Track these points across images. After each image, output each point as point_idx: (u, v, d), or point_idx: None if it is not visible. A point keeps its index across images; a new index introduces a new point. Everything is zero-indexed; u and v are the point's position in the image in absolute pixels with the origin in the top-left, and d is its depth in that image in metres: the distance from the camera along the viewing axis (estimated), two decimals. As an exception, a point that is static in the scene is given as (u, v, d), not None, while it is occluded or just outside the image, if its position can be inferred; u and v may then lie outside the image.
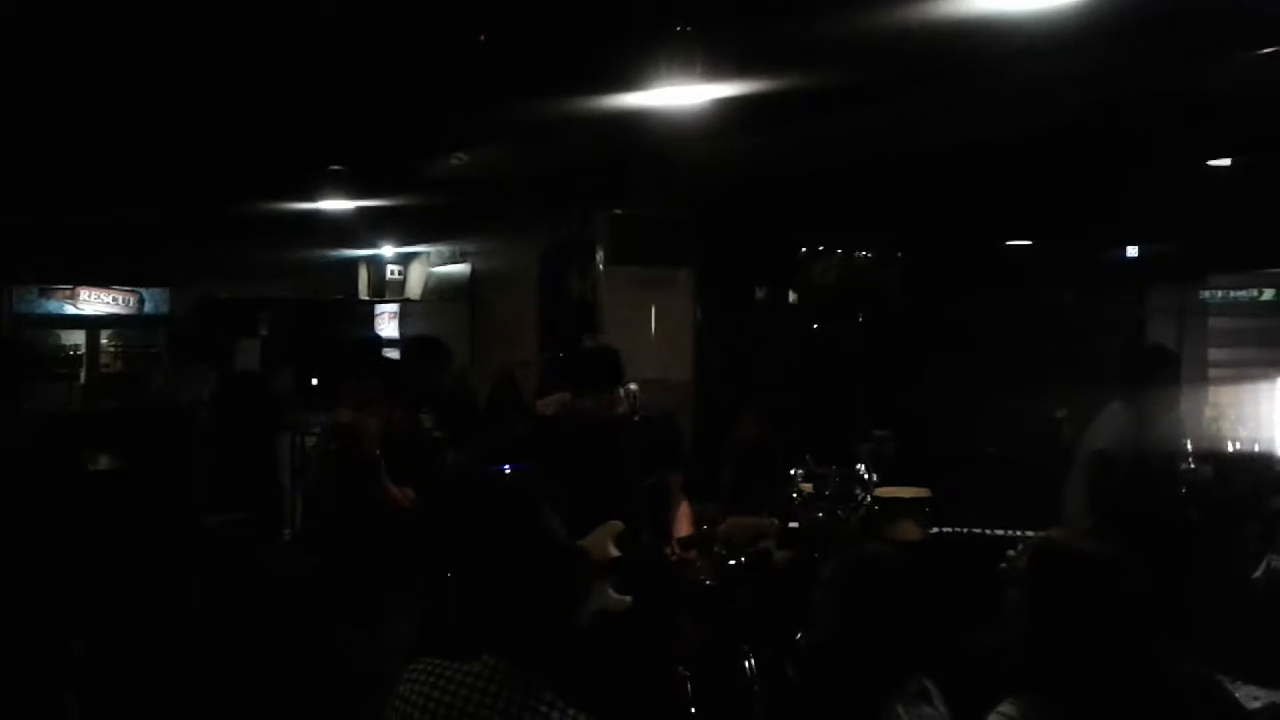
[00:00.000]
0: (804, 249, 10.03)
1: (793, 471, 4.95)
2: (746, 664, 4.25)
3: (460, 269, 12.58)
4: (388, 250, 13.67)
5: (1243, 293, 9.30)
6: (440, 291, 13.05)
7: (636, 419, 4.64)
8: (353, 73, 5.90)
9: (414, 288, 13.78)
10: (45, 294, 13.00)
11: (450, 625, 4.56)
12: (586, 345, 4.87)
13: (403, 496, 5.09)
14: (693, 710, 4.22)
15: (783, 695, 3.30)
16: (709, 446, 6.97)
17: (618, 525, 4.16)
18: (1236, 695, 2.95)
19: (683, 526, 4.68)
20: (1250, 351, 9.40)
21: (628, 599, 4.01)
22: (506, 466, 5.74)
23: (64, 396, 12.39)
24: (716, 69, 5.28)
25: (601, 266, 8.98)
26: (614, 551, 4.00)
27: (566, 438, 4.64)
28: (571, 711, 2.53)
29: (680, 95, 5.67)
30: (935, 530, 5.29)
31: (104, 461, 8.50)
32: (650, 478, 4.63)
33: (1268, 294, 9.32)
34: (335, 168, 8.49)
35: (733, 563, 4.43)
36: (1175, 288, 9.44)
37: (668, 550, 4.41)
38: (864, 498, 4.94)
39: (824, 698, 2.79)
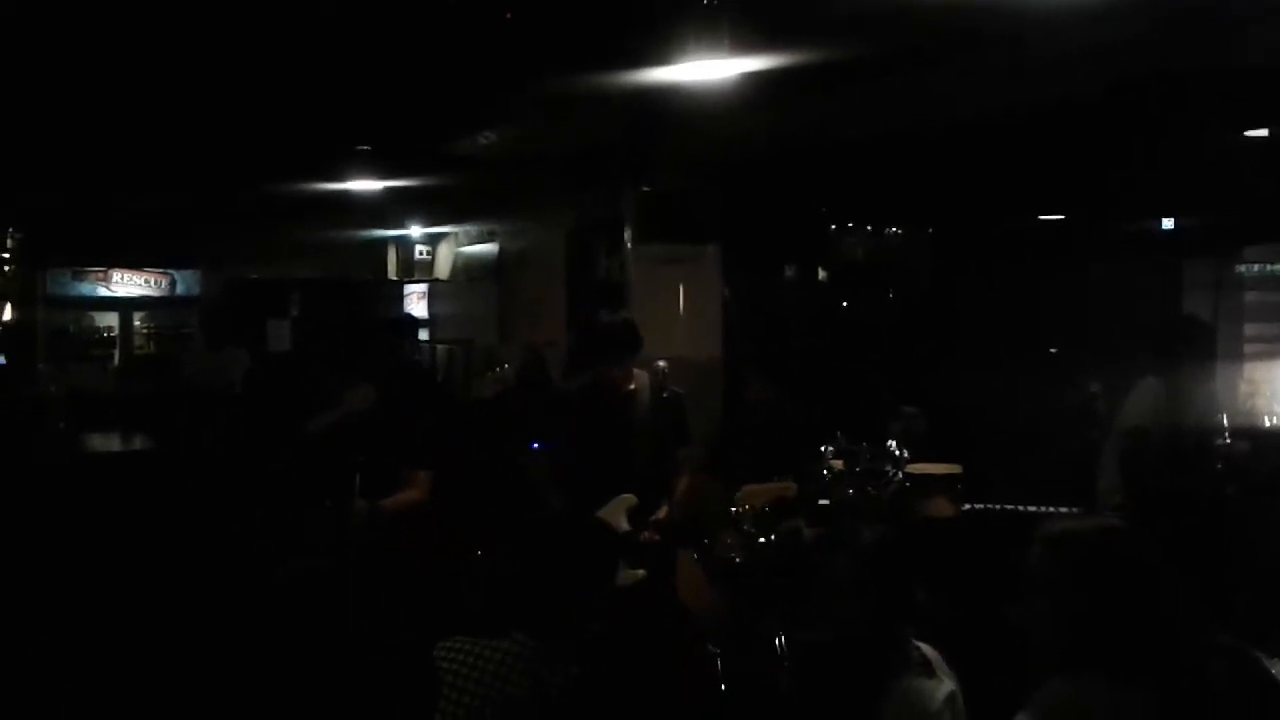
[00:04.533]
0: (833, 224, 9.97)
1: (823, 448, 4.92)
2: (777, 641, 4.24)
3: (488, 248, 12.59)
4: (416, 230, 13.70)
5: (1279, 266, 9.18)
6: (468, 271, 13.08)
7: (665, 395, 4.64)
8: (379, 52, 5.89)
9: (442, 268, 13.82)
10: (78, 276, 13.13)
11: (480, 604, 4.58)
12: (603, 319, 4.88)
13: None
14: (722, 687, 4.22)
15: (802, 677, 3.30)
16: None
17: (630, 499, 4.17)
18: (1273, 671, 2.92)
19: (678, 501, 4.67)
20: (1287, 326, 9.29)
21: (640, 573, 4.02)
22: (536, 445, 5.77)
23: (98, 378, 12.53)
24: (743, 43, 5.23)
25: (629, 244, 8.96)
26: (625, 525, 4.01)
27: (581, 411, 4.66)
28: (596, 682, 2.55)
29: (707, 70, 5.64)
30: (967, 506, 5.25)
31: (139, 442, 8.60)
32: (666, 455, 4.63)
33: (1305, 268, 9.19)
34: (363, 148, 8.50)
35: (762, 540, 4.42)
36: (1211, 261, 9.32)
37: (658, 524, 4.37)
38: (895, 474, 4.91)
39: (829, 680, 2.79)
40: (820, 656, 2.85)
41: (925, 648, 2.77)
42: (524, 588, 2.75)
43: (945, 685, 2.71)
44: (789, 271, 10.01)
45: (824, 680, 2.83)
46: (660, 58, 5.58)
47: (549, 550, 2.78)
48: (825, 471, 4.33)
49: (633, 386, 4.71)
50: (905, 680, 2.66)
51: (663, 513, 4.67)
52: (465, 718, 2.61)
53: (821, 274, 10.14)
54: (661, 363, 4.73)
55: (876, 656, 2.69)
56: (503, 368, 5.53)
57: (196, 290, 13.66)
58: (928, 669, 2.72)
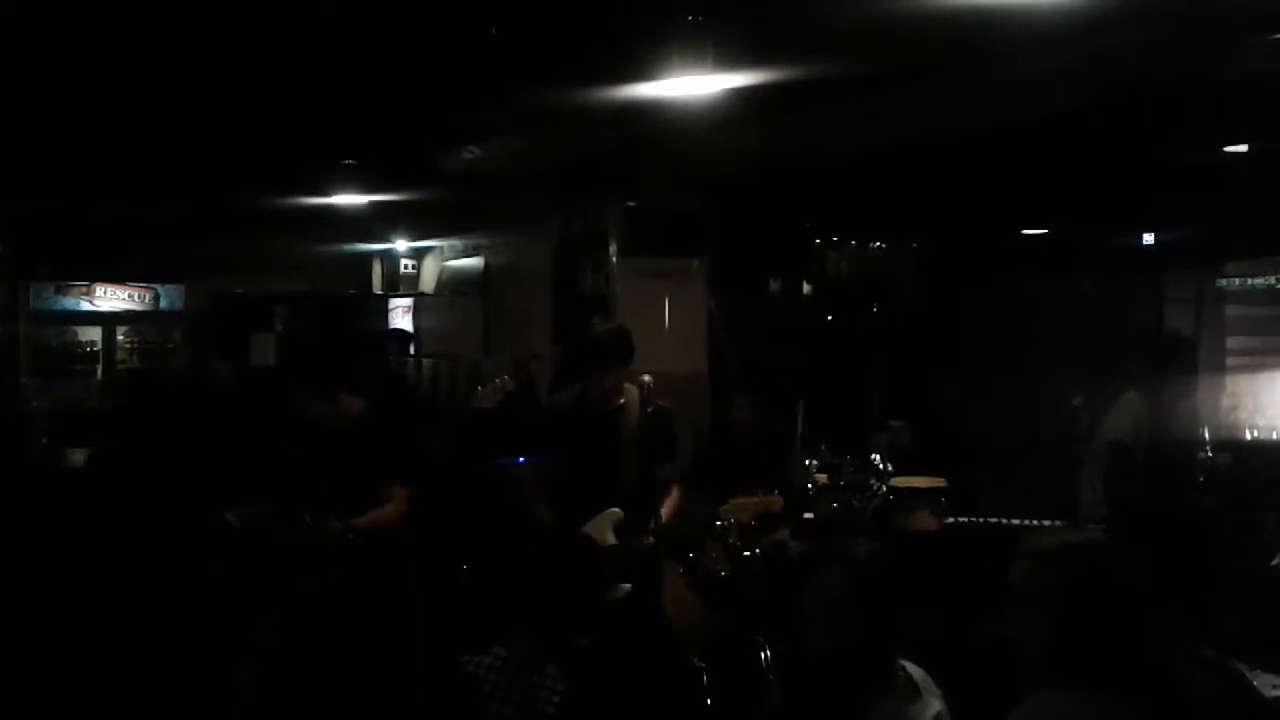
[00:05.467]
0: (818, 239, 10.00)
1: (807, 462, 4.94)
2: (762, 655, 4.24)
3: (474, 262, 12.59)
4: (401, 244, 13.69)
5: (1260, 280, 9.23)
6: (454, 285, 13.07)
7: (651, 410, 4.63)
8: (365, 67, 5.89)
9: (428, 282, 13.80)
10: (62, 291, 13.05)
11: (463, 618, 4.56)
12: (597, 327, 4.84)
13: None
14: (708, 701, 4.22)
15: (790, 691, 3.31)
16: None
17: (617, 514, 4.16)
18: (1255, 683, 2.93)
19: (664, 516, 4.66)
20: (1269, 340, 9.34)
21: (627, 586, 4.02)
22: (522, 459, 5.76)
23: (82, 392, 12.46)
24: (728, 58, 5.26)
25: (614, 258, 8.98)
26: (611, 539, 4.01)
27: (570, 427, 4.64)
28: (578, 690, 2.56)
29: (692, 85, 5.66)
30: (951, 520, 5.27)
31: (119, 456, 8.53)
32: (654, 472, 4.62)
33: (1286, 281, 9.24)
34: (348, 162, 8.50)
35: (748, 554, 4.42)
36: (1192, 275, 9.38)
37: (644, 539, 4.37)
38: (880, 488, 4.94)
39: (814, 698, 2.79)
40: (807, 673, 2.85)
41: (911, 667, 2.77)
42: (507, 602, 2.76)
43: (932, 706, 2.71)
44: (774, 286, 10.04)
45: (809, 698, 2.83)
46: (646, 73, 5.60)
47: (533, 565, 2.79)
48: (809, 485, 4.34)
49: (623, 400, 4.69)
50: (889, 704, 2.65)
51: (665, 512, 4.65)
52: None
53: (806, 288, 10.17)
54: (646, 377, 4.72)
55: (862, 676, 2.68)
56: (503, 379, 5.51)
57: (180, 304, 13.60)
58: (913, 690, 2.71)
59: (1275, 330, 9.31)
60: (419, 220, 11.85)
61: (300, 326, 11.84)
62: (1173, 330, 8.03)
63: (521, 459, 5.54)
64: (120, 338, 13.39)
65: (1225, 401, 8.18)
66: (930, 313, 9.65)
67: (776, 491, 4.56)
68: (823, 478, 4.92)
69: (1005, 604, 2.39)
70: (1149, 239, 9.58)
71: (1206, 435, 5.14)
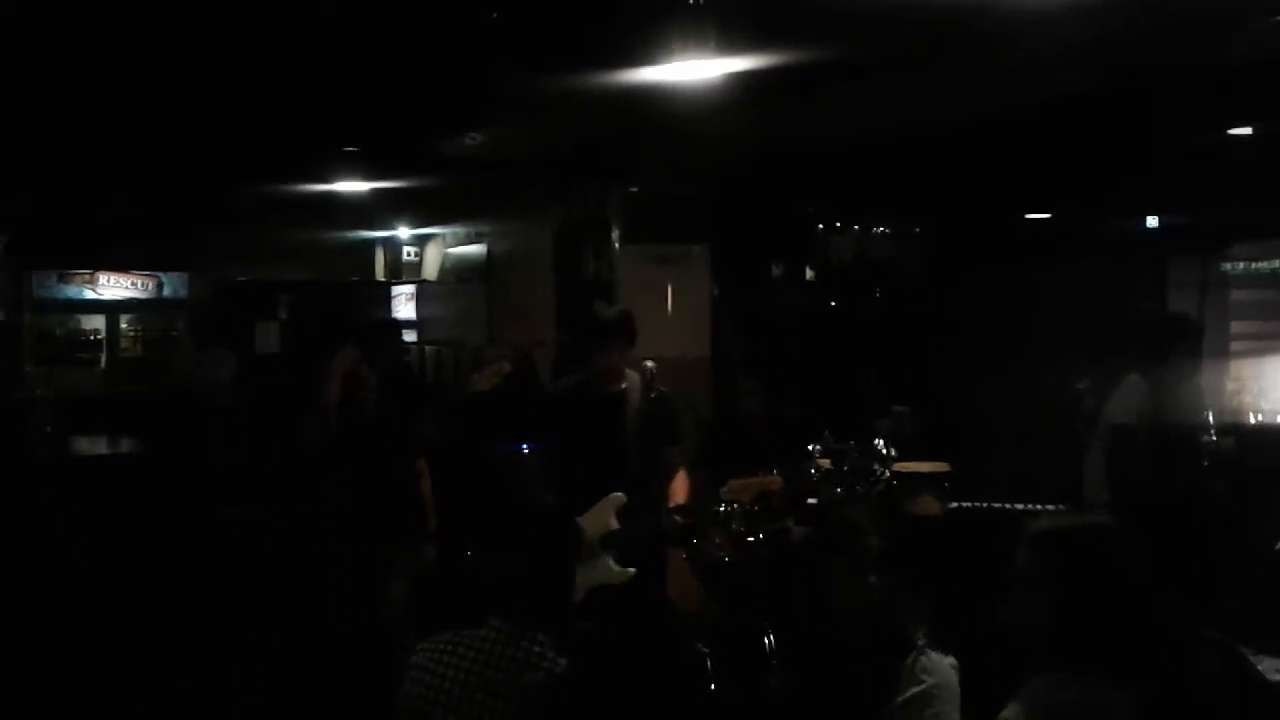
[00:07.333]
0: (821, 224, 9.99)
1: (810, 447, 4.92)
2: (765, 640, 4.25)
3: (476, 249, 12.58)
4: (404, 232, 13.69)
5: (1265, 264, 9.22)
6: (456, 272, 13.07)
7: (653, 395, 4.63)
8: (365, 53, 5.88)
9: (430, 269, 13.81)
10: (65, 279, 13.07)
11: (459, 596, 4.59)
12: (601, 310, 4.83)
13: None
14: (712, 686, 4.23)
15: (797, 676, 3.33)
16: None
17: (620, 498, 4.17)
18: (1259, 667, 2.94)
19: (678, 497, 4.66)
20: (1273, 324, 9.33)
21: (630, 571, 4.03)
22: (525, 446, 5.77)
23: (85, 381, 12.49)
24: (730, 42, 5.24)
25: (617, 244, 8.97)
26: (615, 524, 4.02)
27: (572, 411, 4.64)
28: (564, 660, 2.66)
29: (694, 69, 5.64)
30: (955, 505, 5.28)
31: (125, 445, 8.57)
32: (654, 455, 4.62)
33: (1290, 265, 9.23)
34: (350, 149, 8.49)
35: (751, 539, 4.42)
36: (1197, 260, 9.36)
37: (664, 520, 4.38)
38: (883, 473, 4.92)
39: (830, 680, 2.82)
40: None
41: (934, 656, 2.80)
42: (495, 577, 2.84)
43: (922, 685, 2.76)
44: (777, 271, 10.04)
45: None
46: (647, 58, 5.59)
47: (518, 542, 2.86)
48: (813, 470, 4.34)
49: (624, 385, 4.69)
50: (912, 657, 2.71)
51: (678, 493, 4.66)
52: (457, 704, 2.69)
53: (809, 273, 10.17)
54: (649, 363, 4.72)
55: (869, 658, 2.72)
56: (501, 363, 5.51)
57: (184, 292, 13.61)
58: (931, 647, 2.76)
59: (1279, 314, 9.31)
60: (421, 207, 11.84)
61: (297, 315, 11.84)
62: (1177, 314, 8.01)
63: (525, 445, 5.54)
64: (124, 326, 13.41)
65: (1229, 385, 8.18)
66: (933, 298, 9.64)
67: (775, 473, 4.55)
68: (826, 463, 4.91)
69: (1008, 588, 2.39)
70: (1153, 223, 9.56)
71: (1210, 419, 5.13)
